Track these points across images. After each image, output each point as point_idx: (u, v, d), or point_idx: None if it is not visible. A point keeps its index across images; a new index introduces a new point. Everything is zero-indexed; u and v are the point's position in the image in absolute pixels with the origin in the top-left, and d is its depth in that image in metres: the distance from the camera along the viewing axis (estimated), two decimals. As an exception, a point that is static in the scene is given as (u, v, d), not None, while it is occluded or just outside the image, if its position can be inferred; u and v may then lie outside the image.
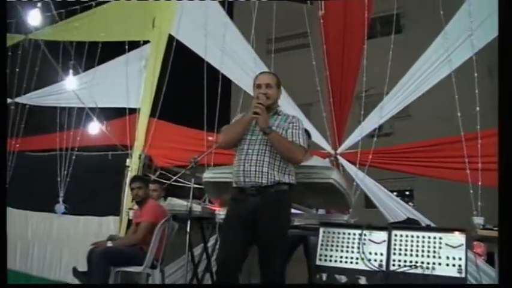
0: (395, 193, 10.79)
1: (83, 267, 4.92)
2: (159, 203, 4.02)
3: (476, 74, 4.14)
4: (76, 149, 5.66)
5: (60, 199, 5.60)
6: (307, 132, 4.11)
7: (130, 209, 4.61)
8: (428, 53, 4.39)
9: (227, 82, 5.29)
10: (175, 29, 5.56)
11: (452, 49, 4.26)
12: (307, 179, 3.09)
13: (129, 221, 5.15)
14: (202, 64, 5.30)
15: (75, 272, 4.11)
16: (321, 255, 3.00)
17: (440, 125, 4.49)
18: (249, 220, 2.80)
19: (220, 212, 3.64)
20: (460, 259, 2.74)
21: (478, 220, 2.87)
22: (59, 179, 5.61)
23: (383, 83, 4.54)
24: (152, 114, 5.49)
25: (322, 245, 3.03)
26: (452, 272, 2.71)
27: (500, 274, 2.55)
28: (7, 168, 2.68)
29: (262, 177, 2.82)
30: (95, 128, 5.71)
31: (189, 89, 5.93)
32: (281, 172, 2.86)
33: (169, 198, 3.76)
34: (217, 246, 3.91)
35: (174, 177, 4.01)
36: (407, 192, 11.78)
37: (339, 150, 4.63)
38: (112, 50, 5.92)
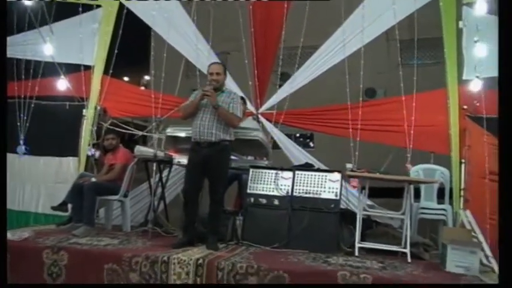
0: (298, 134, 12.77)
1: (46, 200, 6.07)
2: (128, 150, 5.24)
3: (362, 62, 5.71)
4: (34, 98, 6.38)
5: (21, 141, 6.36)
6: (243, 99, 5.53)
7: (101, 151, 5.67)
8: (329, 41, 5.88)
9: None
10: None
11: (347, 40, 5.72)
12: (242, 136, 4.59)
13: (86, 162, 6.31)
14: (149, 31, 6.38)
15: (54, 208, 5.11)
16: (250, 186, 4.58)
17: (341, 79, 5.71)
18: (203, 164, 4.20)
19: (176, 157, 4.99)
20: (336, 188, 4.44)
21: (349, 165, 4.52)
22: (18, 123, 6.35)
23: (298, 37, 5.87)
24: (105, 72, 6.47)
25: (251, 180, 4.60)
26: (331, 196, 4.42)
27: (500, 274, 2.96)
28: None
29: (212, 136, 4.19)
30: (52, 80, 6.50)
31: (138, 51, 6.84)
32: (224, 132, 4.24)
33: (137, 146, 4.99)
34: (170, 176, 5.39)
35: (143, 131, 5.20)
36: (308, 135, 13.79)
37: (260, 111, 6.13)
38: (64, 10, 6.63)
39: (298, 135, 13.55)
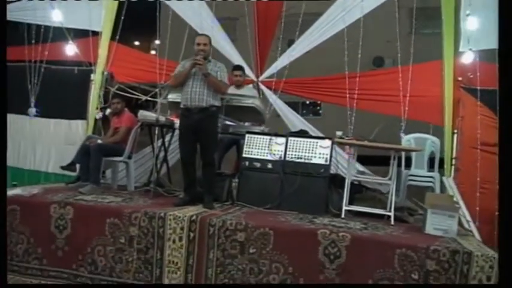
0: (308, 102, 12.93)
1: (56, 160, 6.39)
2: (132, 114, 5.50)
3: (362, 30, 5.82)
4: (44, 62, 6.62)
5: (32, 104, 6.66)
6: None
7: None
8: (329, 11, 6.01)
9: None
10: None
11: (347, 10, 5.85)
12: (239, 103, 4.84)
13: (94, 124, 6.60)
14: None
15: (63, 168, 5.37)
16: (246, 151, 4.83)
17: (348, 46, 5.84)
18: (194, 129, 4.47)
19: (177, 122, 5.23)
20: (326, 154, 4.67)
21: (339, 133, 4.72)
22: (29, 86, 6.62)
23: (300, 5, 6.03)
24: (113, 38, 6.67)
25: (247, 144, 4.84)
26: (322, 161, 4.65)
27: (500, 274, 2.96)
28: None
29: (202, 101, 4.43)
30: (62, 45, 6.73)
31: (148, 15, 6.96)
32: (213, 98, 4.50)
33: (140, 110, 5.27)
34: (172, 141, 5.69)
35: (146, 97, 5.45)
36: (318, 102, 13.95)
37: (260, 78, 6.33)
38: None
39: (308, 102, 13.77)
